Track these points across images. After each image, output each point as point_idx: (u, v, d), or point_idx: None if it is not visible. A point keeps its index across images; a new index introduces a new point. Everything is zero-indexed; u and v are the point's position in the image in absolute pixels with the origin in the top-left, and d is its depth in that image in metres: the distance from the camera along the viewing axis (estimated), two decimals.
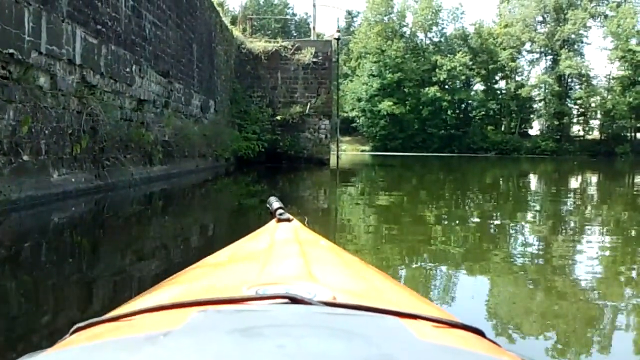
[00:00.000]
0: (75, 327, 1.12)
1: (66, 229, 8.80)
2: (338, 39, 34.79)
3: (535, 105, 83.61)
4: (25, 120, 9.36)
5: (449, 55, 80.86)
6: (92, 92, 12.28)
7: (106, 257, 6.70)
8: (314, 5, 35.97)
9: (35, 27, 9.78)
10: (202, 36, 23.88)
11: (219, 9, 28.71)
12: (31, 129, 9.64)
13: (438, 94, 77.54)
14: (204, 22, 24.14)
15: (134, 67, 14.99)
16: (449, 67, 78.49)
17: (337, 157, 33.58)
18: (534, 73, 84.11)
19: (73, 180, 11.11)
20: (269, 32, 53.87)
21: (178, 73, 19.80)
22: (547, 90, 79.34)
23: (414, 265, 6.55)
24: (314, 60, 32.03)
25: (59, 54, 10.75)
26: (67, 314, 4.21)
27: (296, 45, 32.61)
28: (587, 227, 10.21)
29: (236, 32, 32.93)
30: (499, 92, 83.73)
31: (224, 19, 29.83)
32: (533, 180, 26.92)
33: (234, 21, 35.92)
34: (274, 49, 32.19)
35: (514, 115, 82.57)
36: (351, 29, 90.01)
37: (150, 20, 16.29)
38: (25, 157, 9.50)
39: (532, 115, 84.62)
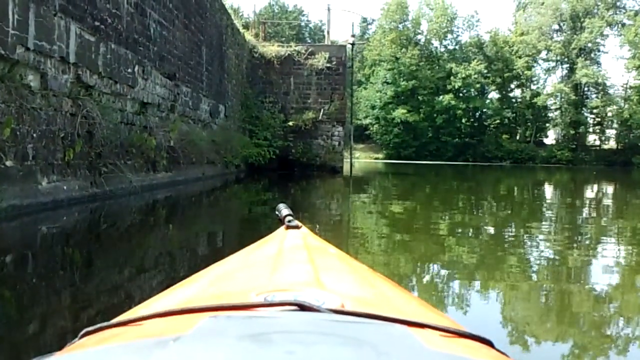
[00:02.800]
0: (84, 331, 1.12)
1: (56, 241, 8.02)
2: (353, 44, 34.12)
3: (550, 114, 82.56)
4: (8, 121, 8.49)
5: (463, 63, 79.94)
6: (88, 93, 11.46)
7: (102, 273, 6.06)
8: (328, 9, 35.20)
9: (21, 20, 8.95)
10: (212, 38, 23.16)
11: (231, 12, 28.11)
12: (15, 131, 8.80)
13: (452, 102, 76.71)
14: (214, 24, 23.41)
15: (136, 67, 14.16)
16: (463, 75, 77.63)
17: (351, 164, 32.92)
18: (550, 82, 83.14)
19: (65, 187, 10.27)
20: (283, 38, 53.33)
21: (185, 76, 19.01)
22: (563, 99, 78.27)
23: (423, 274, 6.58)
24: (328, 65, 31.48)
25: (50, 50, 9.89)
26: (52, 339, 3.72)
27: (309, 49, 32.03)
28: (603, 239, 9.87)
29: (248, 36, 32.33)
30: (514, 100, 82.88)
31: (235, 22, 29.16)
32: (550, 191, 26.34)
33: (247, 26, 35.23)
34: (286, 54, 31.66)
35: (529, 124, 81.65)
36: (366, 36, 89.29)
37: (155, 19, 15.49)
38: (8, 163, 8.64)
39: (547, 124, 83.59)
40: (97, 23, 11.76)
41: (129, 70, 13.65)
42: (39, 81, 9.77)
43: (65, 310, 4.56)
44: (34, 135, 9.41)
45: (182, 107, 18.71)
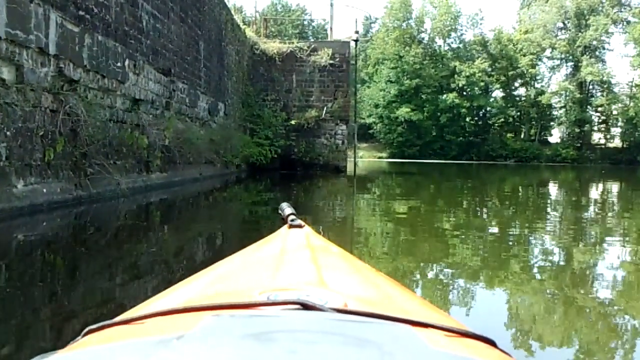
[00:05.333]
0: (87, 329, 1.13)
1: (34, 250, 7.21)
2: (356, 41, 33.37)
3: (555, 113, 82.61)
4: None
5: (467, 61, 79.80)
6: (72, 88, 10.55)
7: (86, 284, 5.48)
8: (331, 5, 34.54)
9: None
10: (211, 33, 22.37)
11: (232, 11, 27.45)
12: None
13: (456, 101, 76.63)
14: (213, 18, 22.61)
15: (127, 61, 13.27)
16: (467, 74, 77.45)
17: (355, 164, 32.24)
18: (554, 80, 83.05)
19: (44, 190, 9.41)
20: (286, 37, 52.78)
21: (182, 72, 18.18)
22: (567, 97, 78.08)
23: (427, 274, 6.51)
24: (331, 62, 30.75)
25: (26, 40, 8.99)
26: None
27: (312, 46, 31.33)
28: (609, 240, 9.68)
29: (249, 32, 31.63)
30: (518, 98, 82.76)
31: (235, 17, 28.43)
32: (555, 190, 25.85)
33: (248, 23, 34.58)
34: (288, 50, 30.97)
35: (533, 122, 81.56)
36: (369, 35, 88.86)
37: (147, 10, 14.62)
38: None
39: (552, 123, 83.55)
40: (81, 12, 10.88)
41: (119, 64, 12.75)
42: (13, 74, 8.86)
43: (41, 329, 3.98)
44: (8, 133, 8.53)
45: (178, 104, 17.87)
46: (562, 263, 7.39)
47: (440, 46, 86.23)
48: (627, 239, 9.86)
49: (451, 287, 5.82)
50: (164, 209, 12.91)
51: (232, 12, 28.13)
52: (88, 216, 10.29)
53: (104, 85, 12.15)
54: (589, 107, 78.68)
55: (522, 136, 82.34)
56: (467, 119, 79.91)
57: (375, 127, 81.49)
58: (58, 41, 10.01)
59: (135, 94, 14.00)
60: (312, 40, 50.57)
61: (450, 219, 11.98)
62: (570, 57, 78.80)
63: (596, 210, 15.34)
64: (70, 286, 5.37)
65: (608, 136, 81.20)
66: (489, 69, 79.73)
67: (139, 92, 14.27)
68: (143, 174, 14.28)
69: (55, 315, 4.36)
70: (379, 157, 76.65)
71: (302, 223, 2.22)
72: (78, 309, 4.52)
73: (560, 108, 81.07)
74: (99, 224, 9.82)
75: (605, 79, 76.83)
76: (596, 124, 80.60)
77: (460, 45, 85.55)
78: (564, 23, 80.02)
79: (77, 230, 9.02)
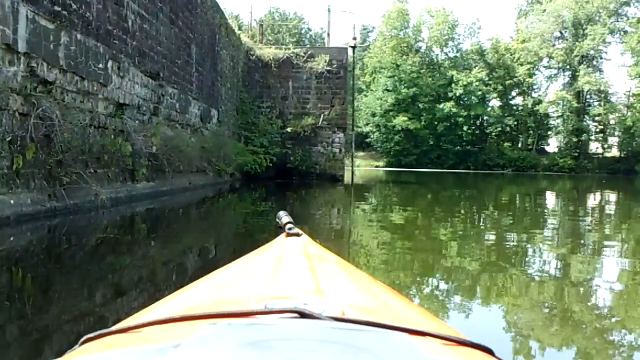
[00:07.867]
0: (84, 337, 1.12)
1: None
2: (354, 47, 32.70)
3: (552, 122, 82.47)
4: None
5: (465, 70, 79.76)
6: (47, 89, 9.72)
7: (57, 308, 4.81)
8: (329, 10, 33.74)
9: None
10: (204, 37, 21.62)
11: (231, 19, 26.76)
12: None
13: (454, 110, 76.40)
14: (205, 21, 21.87)
15: (110, 63, 12.45)
16: (465, 83, 77.30)
17: (352, 173, 31.71)
18: (551, 89, 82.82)
19: (12, 202, 8.55)
20: (283, 45, 52.38)
21: (172, 76, 17.38)
22: (565, 107, 77.89)
23: (424, 282, 6.50)
24: (328, 68, 30.27)
25: None
26: None
27: (309, 52, 30.85)
28: (606, 250, 9.53)
29: (244, 38, 30.99)
30: (515, 108, 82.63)
31: (230, 21, 27.71)
32: (553, 200, 25.47)
33: (245, 30, 34.00)
34: (285, 56, 30.47)
35: (530, 131, 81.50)
36: (366, 43, 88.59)
37: (134, 9, 13.81)
38: None
39: (549, 132, 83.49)
40: (57, 8, 10.03)
41: (100, 65, 11.91)
42: None
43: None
44: None
45: (167, 109, 17.07)
46: (560, 273, 7.40)
47: (437, 55, 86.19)
48: (624, 249, 9.76)
49: (449, 295, 5.83)
50: (149, 221, 12.16)
51: (230, 20, 27.47)
52: (63, 229, 9.48)
53: (84, 88, 11.31)
54: (586, 116, 78.56)
55: (519, 145, 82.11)
56: (464, 128, 79.74)
57: (372, 136, 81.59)
58: (29, 38, 9.17)
59: (119, 98, 13.19)
60: (308, 46, 50.10)
61: (448, 228, 11.91)
62: (568, 67, 78.63)
63: (593, 221, 14.84)
64: (38, 310, 4.70)
65: (605, 145, 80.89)
66: (486, 78, 79.62)
67: (124, 96, 13.46)
68: (127, 183, 13.48)
69: (21, 334, 4.01)
70: (376, 166, 76.57)
71: (300, 231, 2.19)
72: (44, 336, 3.99)
73: (558, 117, 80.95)
74: (75, 238, 9.03)
75: (602, 88, 76.57)
76: (593, 133, 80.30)
77: (458, 55, 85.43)
78: (561, 32, 79.86)
79: (49, 245, 8.25)
